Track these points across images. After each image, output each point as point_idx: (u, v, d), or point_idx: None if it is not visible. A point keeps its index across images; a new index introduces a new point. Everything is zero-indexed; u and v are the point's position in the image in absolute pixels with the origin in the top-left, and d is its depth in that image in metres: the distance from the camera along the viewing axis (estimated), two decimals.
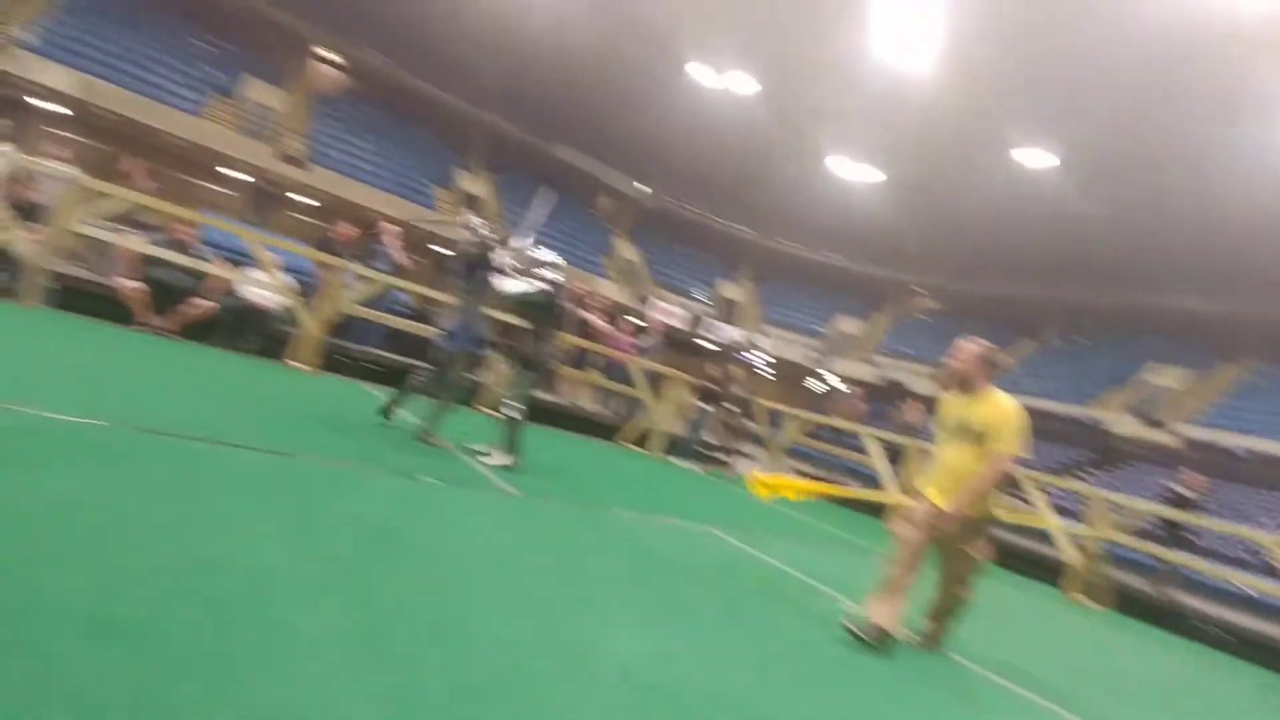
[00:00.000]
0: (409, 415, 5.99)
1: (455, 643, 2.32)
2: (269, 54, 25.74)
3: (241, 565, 2.42)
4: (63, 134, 20.10)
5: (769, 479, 4.57)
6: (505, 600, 2.85)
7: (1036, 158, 22.93)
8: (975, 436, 3.64)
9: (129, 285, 7.01)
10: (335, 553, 2.81)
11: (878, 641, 3.47)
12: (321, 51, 27.09)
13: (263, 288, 7.92)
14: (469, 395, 5.82)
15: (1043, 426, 23.17)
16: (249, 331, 7.85)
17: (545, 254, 5.71)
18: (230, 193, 24.34)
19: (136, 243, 7.12)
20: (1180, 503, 8.67)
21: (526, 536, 4.02)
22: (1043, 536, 12.30)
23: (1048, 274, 28.52)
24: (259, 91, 24.04)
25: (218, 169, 23.23)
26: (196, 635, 1.89)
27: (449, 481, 4.68)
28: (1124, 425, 24.14)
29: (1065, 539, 8.24)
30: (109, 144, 20.21)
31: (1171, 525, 8.73)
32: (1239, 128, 18.78)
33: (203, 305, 7.51)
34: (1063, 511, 10.27)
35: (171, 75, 22.04)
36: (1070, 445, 24.36)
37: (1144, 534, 9.40)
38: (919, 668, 3.62)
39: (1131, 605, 8.28)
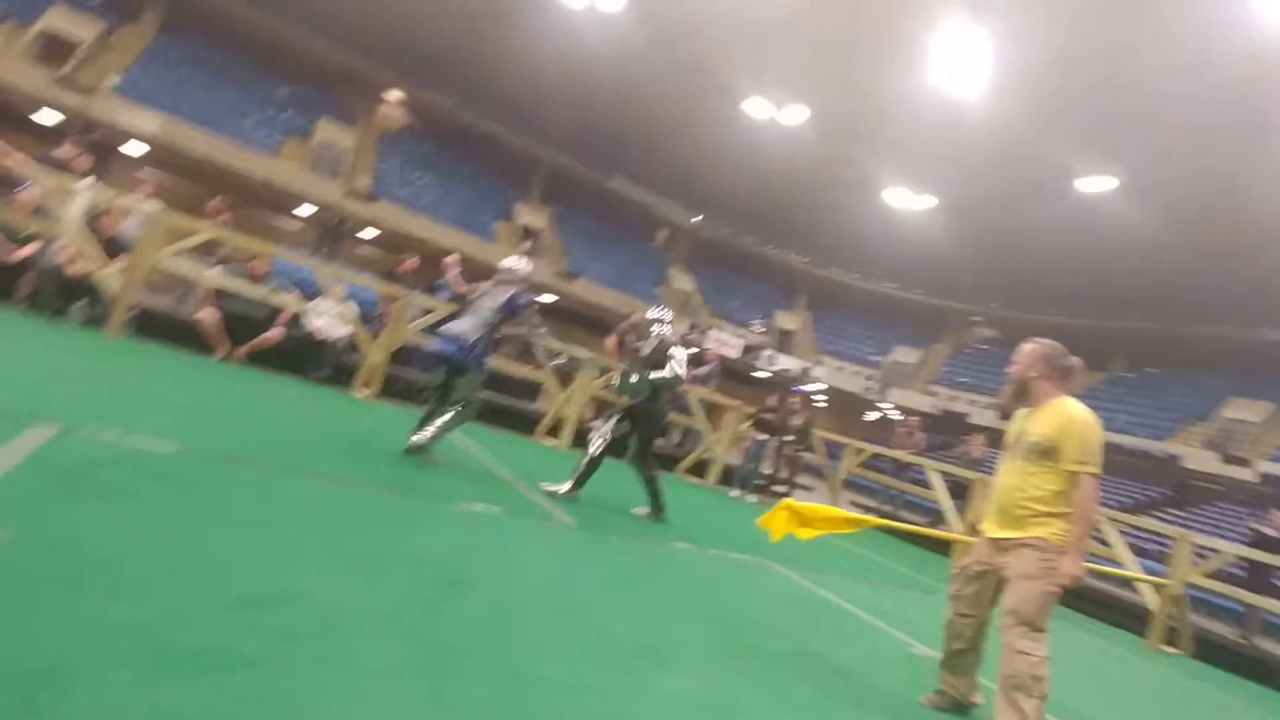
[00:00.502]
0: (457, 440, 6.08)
1: (510, 684, 2.31)
2: (341, 96, 26.96)
3: (307, 598, 2.46)
4: (148, 172, 21.36)
5: (784, 513, 3.59)
6: (560, 639, 2.84)
7: (1097, 184, 22.33)
8: (1038, 452, 3.00)
9: (208, 316, 7.33)
10: (401, 587, 2.85)
11: None
12: (390, 93, 28.24)
13: (329, 317, 8.17)
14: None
15: (1113, 460, 22.17)
16: (318, 360, 8.09)
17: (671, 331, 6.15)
18: (299, 227, 25.40)
19: (215, 275, 7.45)
20: (1267, 544, 8.14)
21: (583, 572, 4.00)
22: (1119, 580, 11.71)
23: (1113, 303, 27.54)
24: (331, 132, 25.11)
25: (291, 206, 24.28)
26: (263, 670, 1.92)
27: (509, 511, 4.71)
28: (1202, 461, 22.94)
29: (1146, 584, 7.81)
30: (192, 182, 21.34)
31: (1257, 567, 8.21)
32: None
33: (274, 335, 7.78)
34: (1140, 553, 9.78)
35: (251, 118, 23.24)
36: (1143, 481, 23.24)
37: (1228, 578, 8.87)
38: None
39: (1216, 653, 7.78)
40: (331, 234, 25.28)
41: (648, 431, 5.89)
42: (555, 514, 5.08)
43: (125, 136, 20.73)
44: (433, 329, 9.28)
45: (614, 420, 5.88)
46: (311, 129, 24.86)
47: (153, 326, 7.41)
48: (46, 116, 20.02)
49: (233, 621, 2.14)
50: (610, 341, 10.49)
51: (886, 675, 3.70)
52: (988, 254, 28.35)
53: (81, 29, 21.46)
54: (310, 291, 8.54)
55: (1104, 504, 12.14)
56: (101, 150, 21.47)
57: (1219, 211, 21.12)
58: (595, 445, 5.72)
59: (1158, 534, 10.24)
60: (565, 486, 5.59)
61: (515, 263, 5.71)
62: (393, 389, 8.42)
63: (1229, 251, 22.20)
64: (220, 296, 7.63)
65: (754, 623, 3.96)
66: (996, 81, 19.99)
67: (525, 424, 9.37)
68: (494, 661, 2.43)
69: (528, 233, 28.40)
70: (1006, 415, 3.32)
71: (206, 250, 8.75)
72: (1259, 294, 22.89)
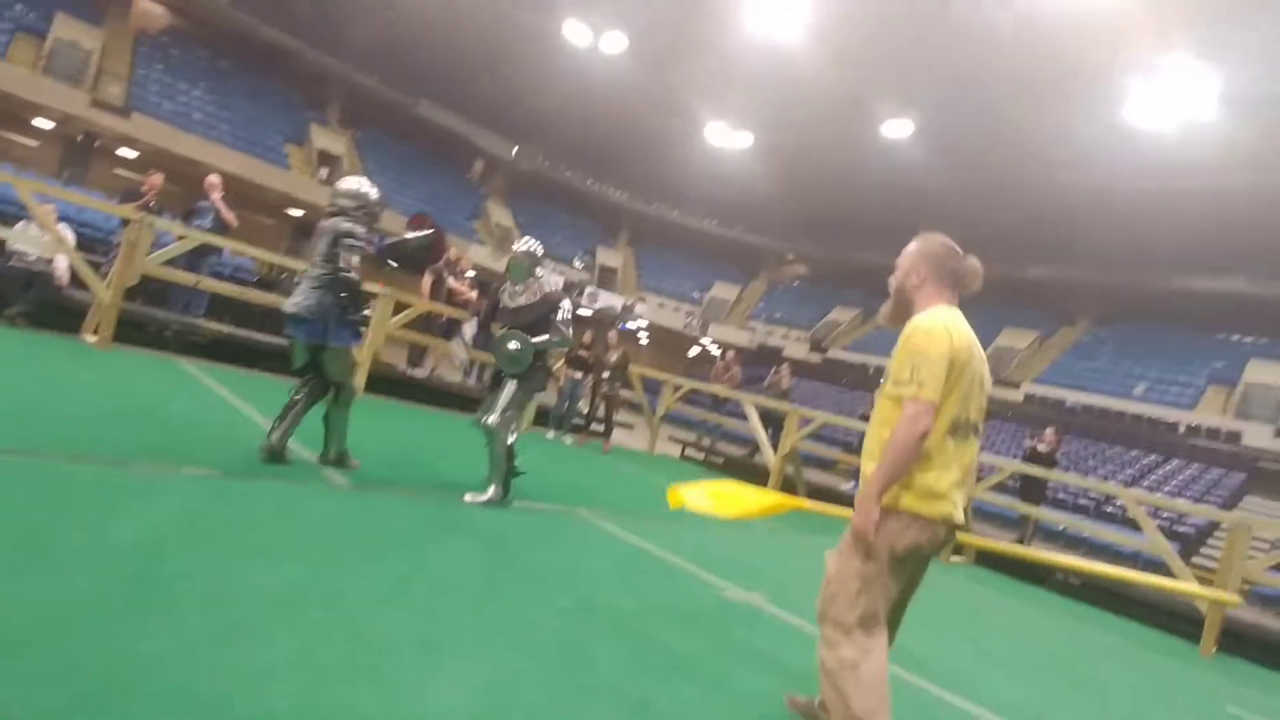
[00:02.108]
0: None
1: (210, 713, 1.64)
2: None
3: None
4: None
5: (696, 488, 2.76)
6: (296, 639, 2.18)
7: (897, 128, 23.67)
8: (887, 380, 2.31)
9: None
10: (79, 588, 2.04)
11: None
12: None
13: (37, 245, 6.59)
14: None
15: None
16: (22, 297, 6.53)
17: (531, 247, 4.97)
18: (33, 144, 21.24)
19: None
20: (1039, 459, 8.98)
21: (344, 545, 3.31)
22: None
23: (908, 241, 29.73)
24: (72, 29, 20.94)
25: (26, 118, 20.13)
26: None
27: (251, 474, 3.88)
28: None
29: None
30: None
31: (1030, 481, 9.06)
32: (1073, 106, 20.03)
33: None
34: None
35: None
36: None
37: (1008, 490, 9.75)
38: None
39: (996, 560, 8.52)
40: (80, 153, 21.37)
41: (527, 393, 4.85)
42: (323, 474, 4.29)
43: None
44: (191, 263, 7.87)
45: (512, 392, 4.67)
46: (46, 27, 20.59)
47: None
48: None
49: None
50: (424, 282, 9.49)
51: (705, 631, 3.37)
52: (800, 192, 29.42)
53: None
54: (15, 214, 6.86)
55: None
56: None
57: (995, 156, 23.12)
58: (510, 435, 4.63)
59: None
60: (489, 494, 4.58)
61: (353, 184, 4.40)
62: (135, 334, 7.02)
63: (1002, 193, 24.48)
64: None
65: (552, 587, 3.48)
66: (811, 22, 20.31)
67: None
68: (183, 685, 1.74)
69: (325, 158, 25.67)
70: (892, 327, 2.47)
71: None
72: (1028, 235, 25.55)
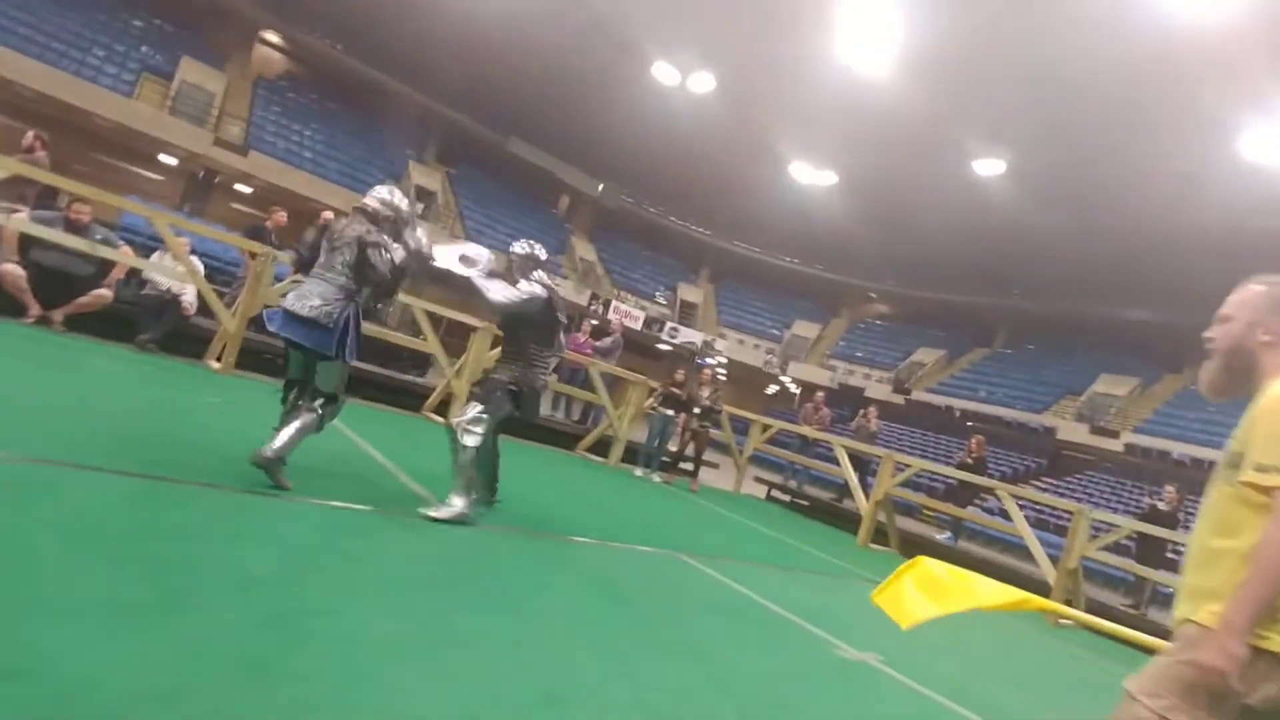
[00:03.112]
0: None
1: None
2: (208, 34, 24.37)
3: (51, 661, 1.69)
4: None
5: (905, 585, 2.19)
6: (430, 689, 2.17)
7: (988, 166, 23.02)
8: (1227, 464, 1.63)
9: (6, 268, 6.06)
10: (208, 634, 2.09)
11: None
12: (267, 35, 25.82)
13: (170, 275, 7.02)
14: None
15: (995, 432, 23.40)
16: (155, 323, 6.94)
17: (533, 249, 4.60)
18: (158, 178, 22.92)
19: (20, 221, 6.16)
20: (1159, 518, 8.39)
21: (462, 587, 3.32)
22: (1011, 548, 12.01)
23: (998, 282, 28.79)
24: (197, 73, 22.63)
25: (151, 154, 21.79)
26: None
27: (382, 507, 3.95)
28: (1073, 432, 24.35)
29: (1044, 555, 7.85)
30: (33, 124, 18.70)
31: (1148, 540, 8.45)
32: (1180, 142, 19.05)
33: (98, 296, 6.58)
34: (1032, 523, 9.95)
35: (104, 54, 20.59)
36: (1021, 452, 24.50)
37: (1119, 549, 9.14)
38: None
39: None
40: (200, 187, 22.94)
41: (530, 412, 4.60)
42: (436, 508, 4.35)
43: None
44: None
45: (496, 400, 4.37)
46: (173, 69, 22.32)
47: None
48: None
49: None
50: None
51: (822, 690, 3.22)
52: (884, 231, 28.90)
53: None
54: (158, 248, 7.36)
55: (992, 472, 12.46)
56: None
57: (1093, 196, 22.18)
58: (474, 438, 4.22)
59: (1053, 507, 10.47)
60: (451, 506, 4.10)
61: (385, 194, 4.10)
62: (253, 361, 7.37)
63: (1100, 235, 23.41)
64: (33, 248, 6.36)
65: (668, 640, 3.39)
66: (900, 60, 20.07)
67: (410, 399, 8.47)
68: None
69: (421, 194, 26.76)
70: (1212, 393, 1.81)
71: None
72: (1125, 276, 24.33)
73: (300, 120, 24.78)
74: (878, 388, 29.46)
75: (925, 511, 13.72)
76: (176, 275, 7.03)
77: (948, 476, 11.43)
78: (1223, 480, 1.62)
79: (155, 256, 7.35)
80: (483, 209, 27.72)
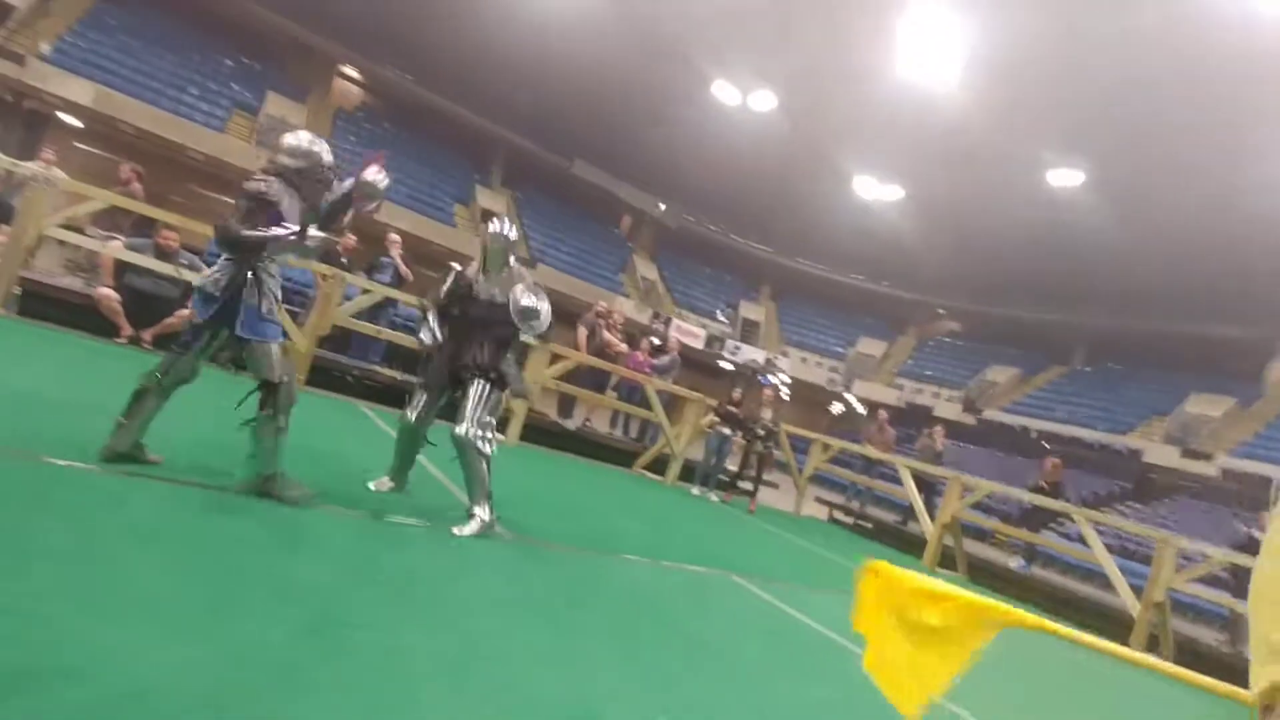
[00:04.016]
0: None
1: None
2: (291, 69, 25.72)
3: (115, 660, 1.80)
4: (83, 148, 20.03)
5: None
6: (461, 707, 2.21)
7: (1064, 177, 22.16)
8: None
9: (102, 292, 6.50)
10: (246, 639, 2.19)
11: None
12: (345, 69, 27.05)
13: None
14: None
15: (1075, 454, 22.32)
16: (230, 344, 7.29)
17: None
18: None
19: (116, 249, 6.61)
20: (1257, 549, 7.85)
21: (505, 601, 3.37)
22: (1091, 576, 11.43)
23: (1076, 297, 27.59)
24: (281, 107, 23.88)
25: (239, 184, 23.02)
26: None
27: (435, 520, 4.06)
28: (1163, 455, 23.04)
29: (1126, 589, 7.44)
30: (131, 157, 20.08)
31: (1245, 573, 7.92)
32: (1273, 151, 17.96)
33: (184, 316, 6.97)
34: (1114, 551, 9.46)
35: (198, 92, 21.98)
36: (1104, 475, 23.32)
37: (1212, 580, 8.59)
38: None
39: (1197, 662, 7.46)
40: None
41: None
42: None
43: (57, 106, 19.40)
44: (372, 314, 8.56)
45: (482, 393, 4.19)
46: (259, 104, 23.62)
47: (42, 304, 6.56)
48: None
49: None
50: (580, 335, 9.85)
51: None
52: (954, 245, 28.16)
53: None
54: None
55: (1070, 496, 11.90)
56: (35, 121, 20.12)
57: (1182, 208, 21.09)
58: (488, 445, 4.08)
59: (1135, 534, 9.95)
60: (477, 522, 3.94)
61: (297, 140, 3.68)
62: (322, 379, 7.67)
63: (1190, 248, 22.22)
64: (127, 273, 6.81)
65: (717, 663, 3.37)
66: (967, 71, 19.63)
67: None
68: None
69: (487, 216, 27.45)
70: None
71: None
72: (1219, 290, 23.00)
73: (375, 149, 25.79)
74: (947, 407, 28.56)
75: (998, 536, 13.21)
76: None
77: (1019, 499, 11.00)
78: None
79: None
80: (547, 229, 28.26)
